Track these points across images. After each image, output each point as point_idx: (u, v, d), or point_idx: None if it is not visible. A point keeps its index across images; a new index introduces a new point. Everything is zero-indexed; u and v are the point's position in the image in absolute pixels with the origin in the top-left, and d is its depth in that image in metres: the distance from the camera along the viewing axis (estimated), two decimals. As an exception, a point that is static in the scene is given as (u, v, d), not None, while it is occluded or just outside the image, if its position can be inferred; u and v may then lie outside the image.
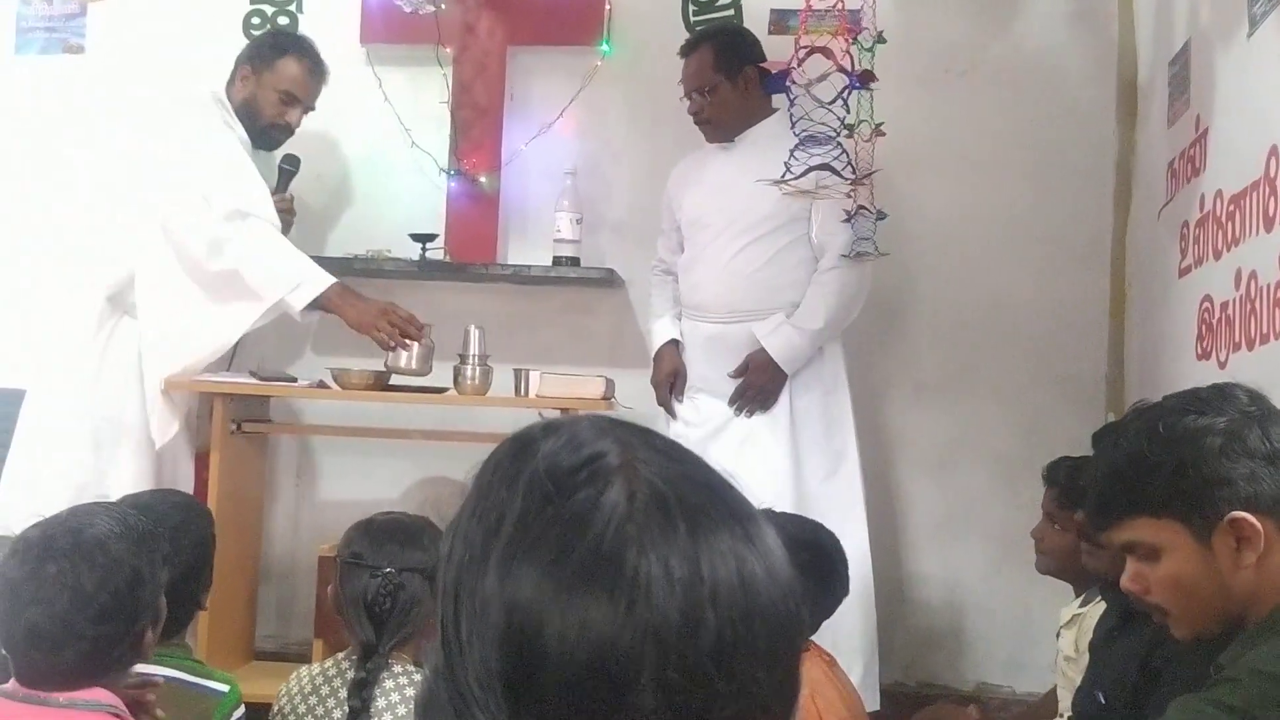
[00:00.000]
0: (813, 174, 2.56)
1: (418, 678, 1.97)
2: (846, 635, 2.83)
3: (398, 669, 1.97)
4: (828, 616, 2.27)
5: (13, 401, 3.21)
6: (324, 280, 3.04)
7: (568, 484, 0.67)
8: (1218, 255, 2.41)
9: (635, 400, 3.25)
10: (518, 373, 3.14)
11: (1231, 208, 2.33)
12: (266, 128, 3.26)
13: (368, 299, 3.09)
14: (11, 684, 1.55)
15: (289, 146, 3.37)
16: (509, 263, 3.63)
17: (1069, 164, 3.47)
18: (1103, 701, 1.89)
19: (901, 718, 2.67)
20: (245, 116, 3.23)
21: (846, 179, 2.56)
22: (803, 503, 2.95)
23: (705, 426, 3.09)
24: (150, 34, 3.78)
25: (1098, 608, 2.18)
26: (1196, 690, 1.33)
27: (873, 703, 2.90)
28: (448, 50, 3.64)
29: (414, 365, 3.06)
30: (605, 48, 3.62)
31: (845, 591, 2.30)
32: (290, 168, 3.39)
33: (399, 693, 1.94)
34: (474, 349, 3.10)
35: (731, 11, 3.61)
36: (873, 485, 3.26)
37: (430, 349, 3.08)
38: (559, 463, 0.68)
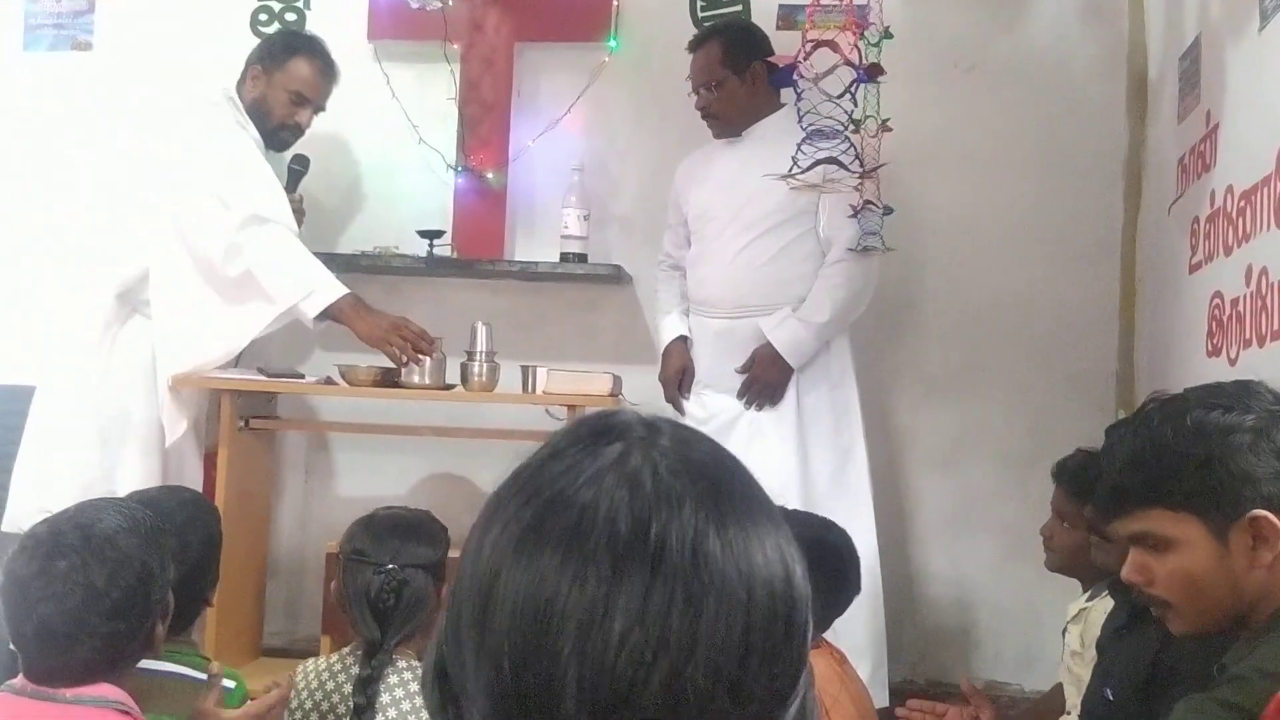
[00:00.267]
0: (819, 167, 2.55)
1: (408, 675, 1.97)
2: (854, 632, 2.83)
3: (402, 664, 1.97)
4: (839, 614, 2.26)
5: (23, 398, 3.22)
6: (337, 290, 3.04)
7: (576, 437, 0.69)
8: (1228, 251, 2.40)
9: (643, 396, 3.25)
10: (525, 369, 3.14)
11: (1242, 203, 2.32)
12: (276, 128, 3.26)
13: (380, 313, 3.07)
14: (19, 680, 1.55)
15: (297, 144, 3.37)
16: (516, 259, 3.63)
17: (1078, 160, 3.46)
18: (1111, 699, 1.88)
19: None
20: (256, 116, 3.23)
21: (854, 172, 2.55)
22: (810, 500, 2.95)
23: (712, 423, 3.08)
24: (158, 30, 3.79)
25: (1104, 603, 2.18)
26: (1204, 686, 1.33)
27: (881, 699, 2.89)
28: (455, 46, 3.64)
29: (426, 380, 3.06)
30: (613, 44, 3.62)
31: (857, 589, 2.29)
32: (300, 168, 3.39)
33: (403, 688, 1.94)
34: (481, 345, 3.10)
35: (739, 7, 3.60)
36: (880, 482, 3.25)
37: (442, 361, 3.08)
38: (579, 429, 0.70)
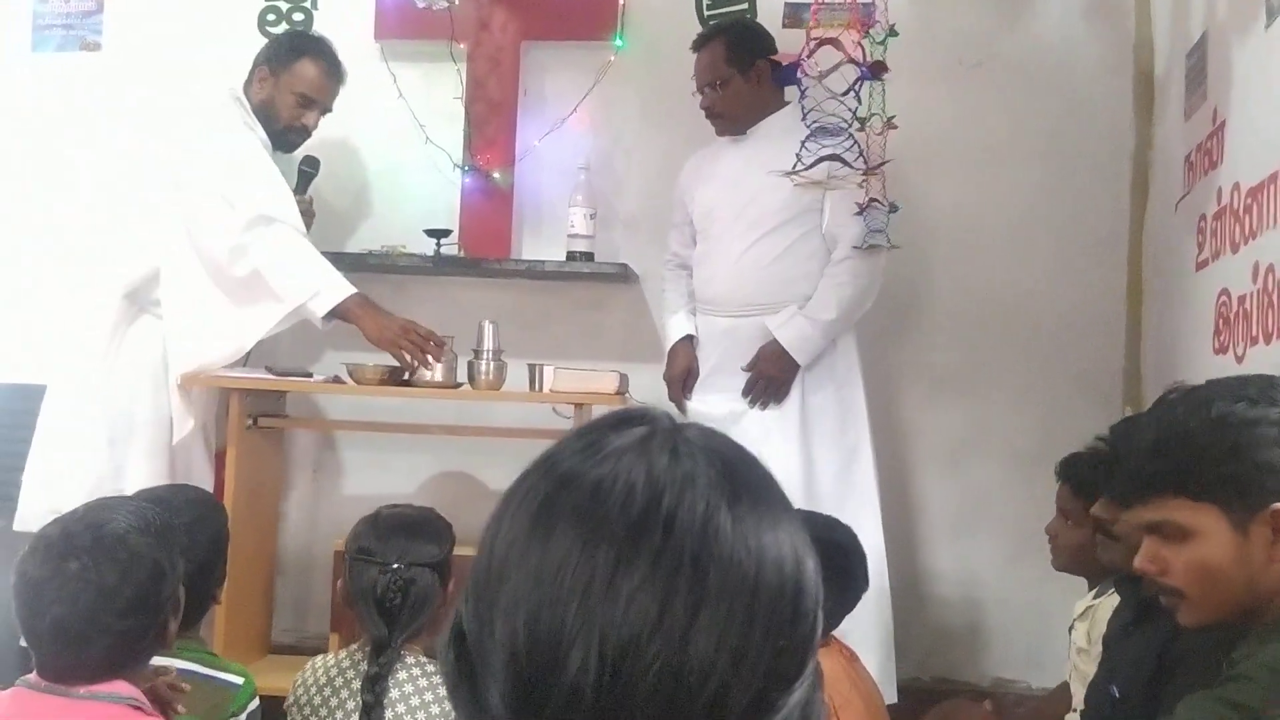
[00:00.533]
0: (824, 164, 2.55)
1: (430, 669, 1.98)
2: (862, 630, 2.83)
3: (410, 660, 1.98)
4: (848, 612, 2.26)
5: (33, 397, 3.24)
6: (345, 289, 3.03)
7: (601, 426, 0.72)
8: (1235, 248, 2.40)
9: (649, 395, 3.25)
10: (532, 368, 3.14)
11: (1249, 200, 2.31)
12: (284, 130, 3.26)
13: (389, 314, 3.06)
14: (33, 675, 1.56)
15: (305, 145, 3.37)
16: (523, 258, 3.63)
17: (1085, 157, 3.46)
18: (1117, 696, 1.88)
19: (918, 712, 2.66)
20: (263, 118, 3.23)
21: (858, 169, 2.55)
22: (815, 499, 2.95)
23: (717, 422, 3.08)
24: (166, 30, 3.79)
25: (1110, 599, 2.17)
26: (1211, 683, 1.33)
27: (890, 696, 2.90)
28: (461, 46, 3.65)
29: (435, 379, 3.06)
30: (619, 42, 3.62)
31: (865, 586, 2.30)
32: (310, 170, 3.39)
33: (412, 684, 1.95)
34: (488, 344, 3.11)
35: (745, 5, 3.60)
36: (887, 480, 3.25)
37: (453, 361, 3.09)
38: (608, 417, 0.74)
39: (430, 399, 3.27)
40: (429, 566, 2.00)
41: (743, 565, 0.66)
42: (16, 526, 3.04)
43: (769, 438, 3.04)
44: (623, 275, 3.56)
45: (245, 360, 3.20)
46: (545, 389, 3.09)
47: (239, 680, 2.00)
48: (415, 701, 1.93)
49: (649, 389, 3.27)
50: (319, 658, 2.10)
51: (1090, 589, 2.38)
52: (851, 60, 2.43)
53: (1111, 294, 3.44)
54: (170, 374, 3.09)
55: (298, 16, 3.79)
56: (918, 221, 3.32)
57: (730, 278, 3.14)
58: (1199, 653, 1.60)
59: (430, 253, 3.55)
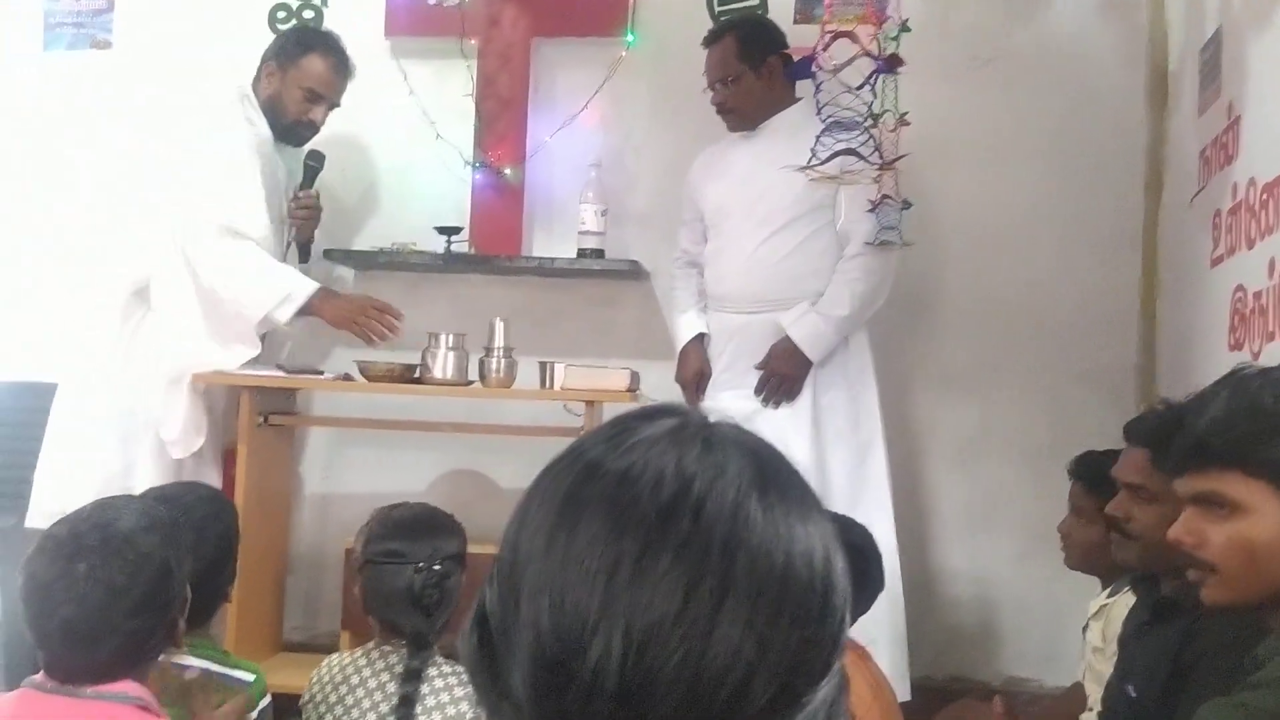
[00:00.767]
0: (838, 159, 2.54)
1: (446, 669, 2.02)
2: (875, 628, 2.82)
3: (439, 658, 2.03)
4: (864, 611, 2.25)
5: (45, 395, 3.24)
6: (306, 290, 3.06)
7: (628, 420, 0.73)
8: (1250, 244, 2.38)
9: (660, 393, 3.23)
10: (543, 365, 3.14)
11: (1265, 196, 2.29)
12: (291, 125, 3.26)
13: (346, 296, 3.16)
14: (40, 675, 1.56)
15: (313, 140, 3.37)
16: (534, 255, 3.63)
17: (1098, 153, 3.44)
18: (1133, 695, 1.87)
19: (930, 711, 2.65)
20: (270, 113, 3.23)
21: (873, 164, 2.54)
22: (828, 497, 2.91)
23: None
24: (177, 28, 3.80)
25: (1125, 598, 2.16)
26: (1229, 684, 1.31)
27: (903, 693, 2.89)
28: (472, 42, 3.64)
29: (449, 375, 3.07)
30: (630, 39, 3.61)
31: (880, 588, 2.29)
32: (315, 164, 3.39)
33: (442, 680, 2.00)
34: (499, 341, 3.10)
35: (756, 1, 3.59)
36: (900, 477, 3.24)
37: (464, 358, 3.09)
38: (640, 410, 0.74)
39: (441, 397, 3.27)
40: (453, 558, 2.06)
41: (772, 555, 0.65)
42: (28, 524, 3.05)
43: (783, 436, 3.03)
44: (634, 272, 3.55)
45: (256, 357, 3.21)
46: (556, 386, 3.08)
47: (250, 677, 2.00)
48: (445, 698, 1.97)
49: (661, 386, 3.26)
50: (334, 655, 2.12)
51: (1103, 588, 2.36)
52: (867, 53, 2.41)
53: (1125, 290, 3.42)
54: (171, 375, 3.09)
55: (308, 14, 3.78)
56: (930, 218, 3.30)
57: (742, 274, 3.13)
58: (1216, 653, 1.59)
59: (441, 250, 3.54)
